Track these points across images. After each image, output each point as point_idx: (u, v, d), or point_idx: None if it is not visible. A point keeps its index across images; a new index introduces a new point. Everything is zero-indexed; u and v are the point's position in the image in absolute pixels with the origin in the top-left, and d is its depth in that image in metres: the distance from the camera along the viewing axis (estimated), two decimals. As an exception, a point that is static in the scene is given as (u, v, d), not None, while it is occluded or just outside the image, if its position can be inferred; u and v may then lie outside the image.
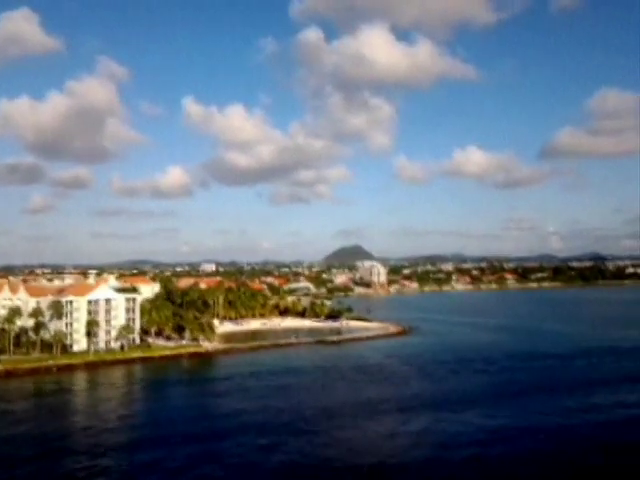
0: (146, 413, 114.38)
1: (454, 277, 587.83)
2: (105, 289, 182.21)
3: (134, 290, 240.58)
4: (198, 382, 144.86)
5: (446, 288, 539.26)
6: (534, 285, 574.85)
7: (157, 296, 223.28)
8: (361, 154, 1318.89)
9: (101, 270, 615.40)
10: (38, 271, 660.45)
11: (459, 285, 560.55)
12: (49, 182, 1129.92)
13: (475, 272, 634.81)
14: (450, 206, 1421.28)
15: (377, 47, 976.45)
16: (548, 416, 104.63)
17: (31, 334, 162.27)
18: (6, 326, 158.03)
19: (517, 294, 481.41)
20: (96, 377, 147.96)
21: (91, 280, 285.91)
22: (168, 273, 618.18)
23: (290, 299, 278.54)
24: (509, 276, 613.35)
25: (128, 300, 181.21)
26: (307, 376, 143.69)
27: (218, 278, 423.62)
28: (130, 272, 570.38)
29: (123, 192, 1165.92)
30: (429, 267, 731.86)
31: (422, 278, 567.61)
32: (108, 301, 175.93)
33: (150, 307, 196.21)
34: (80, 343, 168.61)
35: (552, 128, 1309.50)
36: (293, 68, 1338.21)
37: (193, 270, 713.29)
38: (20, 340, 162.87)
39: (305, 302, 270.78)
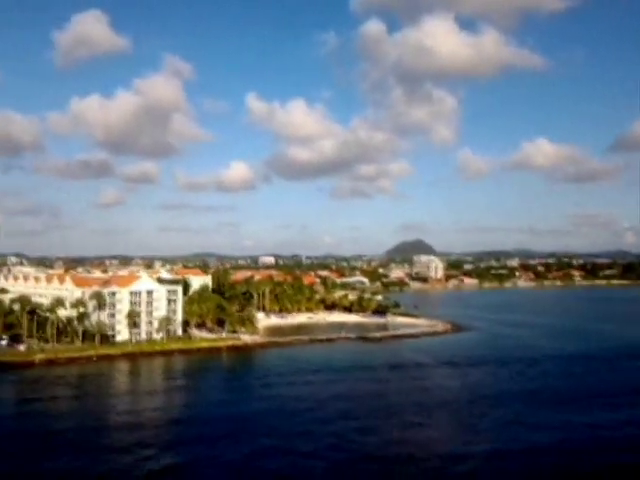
0: (163, 407, 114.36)
1: (517, 273, 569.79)
2: (148, 281, 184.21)
3: (184, 282, 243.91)
4: (227, 376, 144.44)
5: (507, 284, 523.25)
6: (602, 282, 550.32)
7: (203, 288, 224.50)
8: (423, 148, 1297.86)
9: (166, 262, 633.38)
10: (107, 262, 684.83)
11: (521, 282, 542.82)
12: (118, 177, 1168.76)
13: (540, 268, 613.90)
14: (516, 201, 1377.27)
15: (440, 37, 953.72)
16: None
17: (75, 324, 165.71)
18: (50, 316, 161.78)
19: (582, 292, 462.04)
20: (131, 368, 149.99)
21: (162, 270, 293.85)
22: (228, 266, 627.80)
23: (338, 293, 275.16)
24: (575, 273, 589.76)
25: (170, 292, 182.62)
26: (339, 375, 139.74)
27: (274, 271, 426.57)
28: (193, 264, 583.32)
29: (188, 187, 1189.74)
30: (493, 263, 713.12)
31: (482, 274, 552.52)
32: (150, 292, 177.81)
33: (193, 299, 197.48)
34: (122, 333, 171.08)
35: (626, 119, 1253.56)
36: (354, 61, 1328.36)
37: (253, 263, 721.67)
38: (66, 330, 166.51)
39: (353, 297, 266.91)
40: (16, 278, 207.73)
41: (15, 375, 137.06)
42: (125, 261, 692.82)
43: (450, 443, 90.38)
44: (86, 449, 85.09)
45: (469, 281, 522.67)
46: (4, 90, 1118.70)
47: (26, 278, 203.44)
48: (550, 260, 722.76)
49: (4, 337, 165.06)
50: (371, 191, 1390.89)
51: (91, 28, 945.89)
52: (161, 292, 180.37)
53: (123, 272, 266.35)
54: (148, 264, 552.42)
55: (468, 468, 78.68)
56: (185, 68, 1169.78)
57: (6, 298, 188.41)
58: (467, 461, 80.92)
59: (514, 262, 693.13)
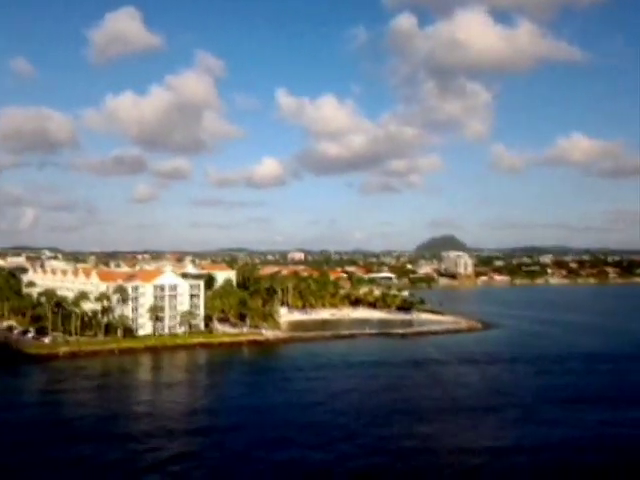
0: (179, 399, 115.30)
1: (549, 270, 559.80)
2: (171, 275, 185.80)
3: (209, 277, 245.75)
4: (246, 370, 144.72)
5: (539, 281, 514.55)
6: (638, 280, 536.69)
7: (226, 283, 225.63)
8: (455, 142, 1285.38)
9: (197, 257, 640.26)
10: (139, 257, 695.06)
11: (554, 279, 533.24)
12: (151, 173, 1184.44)
13: (574, 265, 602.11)
14: (551, 196, 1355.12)
15: (474, 31, 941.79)
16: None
17: (99, 317, 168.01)
18: (74, 309, 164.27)
19: (616, 289, 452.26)
20: (152, 361, 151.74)
21: (189, 265, 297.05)
22: (257, 261, 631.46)
23: (363, 289, 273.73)
24: (610, 270, 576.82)
25: (192, 286, 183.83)
26: (356, 371, 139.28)
27: (302, 267, 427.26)
28: (223, 259, 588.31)
29: (219, 183, 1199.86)
30: (525, 259, 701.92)
31: (513, 270, 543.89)
32: (173, 287, 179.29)
33: (216, 294, 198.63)
34: (145, 327, 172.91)
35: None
36: (384, 56, 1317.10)
37: (282, 259, 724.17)
38: (90, 323, 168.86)
39: (378, 293, 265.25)
40: (45, 272, 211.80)
41: (40, 367, 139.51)
42: (156, 256, 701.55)
43: (459, 438, 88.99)
44: (103, 437, 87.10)
45: (499, 278, 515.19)
46: (40, 87, 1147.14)
47: (54, 272, 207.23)
48: (585, 257, 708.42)
49: (30, 330, 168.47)
50: (401, 186, 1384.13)
51: (125, 25, 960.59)
52: (184, 287, 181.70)
53: (149, 267, 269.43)
54: (178, 259, 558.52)
55: (472, 463, 78.01)
56: (216, 64, 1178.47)
57: (34, 291, 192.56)
58: (470, 457, 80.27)
59: (547, 259, 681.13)
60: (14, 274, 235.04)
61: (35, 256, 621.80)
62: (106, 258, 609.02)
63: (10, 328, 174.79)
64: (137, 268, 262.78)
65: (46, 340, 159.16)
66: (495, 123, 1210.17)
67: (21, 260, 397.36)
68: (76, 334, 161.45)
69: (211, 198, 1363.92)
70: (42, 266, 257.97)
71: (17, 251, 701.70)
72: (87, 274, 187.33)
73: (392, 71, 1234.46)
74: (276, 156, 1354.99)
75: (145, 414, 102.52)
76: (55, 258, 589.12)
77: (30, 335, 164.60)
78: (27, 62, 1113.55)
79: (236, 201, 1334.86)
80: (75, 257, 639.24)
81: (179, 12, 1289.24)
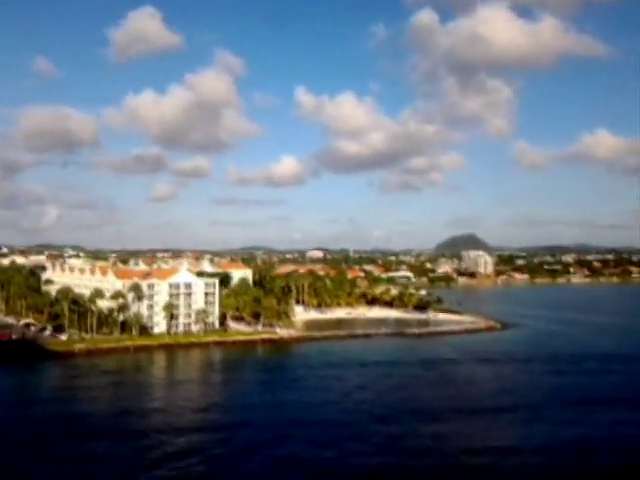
0: (189, 396, 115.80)
1: (571, 269, 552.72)
2: (186, 274, 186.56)
3: (226, 275, 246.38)
4: (258, 368, 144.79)
5: (560, 280, 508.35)
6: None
7: (242, 281, 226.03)
8: (476, 139, 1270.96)
9: (216, 255, 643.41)
10: (159, 255, 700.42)
11: (575, 278, 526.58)
12: (171, 172, 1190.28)
13: (596, 264, 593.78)
14: (574, 194, 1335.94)
15: (496, 26, 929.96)
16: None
17: (115, 315, 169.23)
18: (90, 306, 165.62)
19: (639, 288, 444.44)
20: (165, 358, 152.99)
21: (205, 263, 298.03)
22: (275, 259, 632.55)
23: (380, 288, 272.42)
24: (634, 269, 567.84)
25: (207, 285, 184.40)
26: (368, 370, 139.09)
27: (320, 265, 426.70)
28: (241, 258, 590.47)
29: (238, 181, 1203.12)
30: (547, 258, 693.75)
31: (534, 269, 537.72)
32: (188, 285, 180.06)
33: (231, 292, 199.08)
34: (160, 325, 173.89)
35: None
36: (404, 53, 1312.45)
37: (301, 257, 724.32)
38: (106, 321, 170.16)
39: (395, 292, 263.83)
40: (63, 270, 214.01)
41: (56, 364, 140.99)
42: (176, 255, 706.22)
43: (465, 438, 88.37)
44: (114, 433, 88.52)
45: (520, 277, 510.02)
46: (62, 87, 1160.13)
47: (72, 270, 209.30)
48: (609, 256, 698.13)
49: (48, 327, 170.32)
50: (421, 184, 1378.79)
51: (145, 25, 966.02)
52: (199, 285, 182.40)
53: (167, 265, 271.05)
54: (197, 257, 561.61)
55: (481, 463, 77.00)
56: (236, 63, 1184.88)
57: (52, 289, 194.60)
58: (480, 457, 79.35)
59: (570, 257, 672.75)
60: (34, 272, 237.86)
61: (57, 254, 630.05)
62: (126, 256, 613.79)
63: (28, 325, 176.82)
64: (155, 266, 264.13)
65: (62, 337, 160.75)
66: (517, 119, 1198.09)
67: (42, 258, 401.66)
68: (92, 332, 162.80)
69: (230, 197, 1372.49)
70: (63, 264, 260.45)
71: (40, 249, 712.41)
72: (104, 272, 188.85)
73: (412, 68, 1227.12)
74: (295, 154, 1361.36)
75: (156, 410, 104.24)
76: (77, 256, 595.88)
77: (47, 332, 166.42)
78: (48, 62, 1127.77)
79: (255, 200, 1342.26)
80: (96, 255, 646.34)
81: (199, 11, 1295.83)
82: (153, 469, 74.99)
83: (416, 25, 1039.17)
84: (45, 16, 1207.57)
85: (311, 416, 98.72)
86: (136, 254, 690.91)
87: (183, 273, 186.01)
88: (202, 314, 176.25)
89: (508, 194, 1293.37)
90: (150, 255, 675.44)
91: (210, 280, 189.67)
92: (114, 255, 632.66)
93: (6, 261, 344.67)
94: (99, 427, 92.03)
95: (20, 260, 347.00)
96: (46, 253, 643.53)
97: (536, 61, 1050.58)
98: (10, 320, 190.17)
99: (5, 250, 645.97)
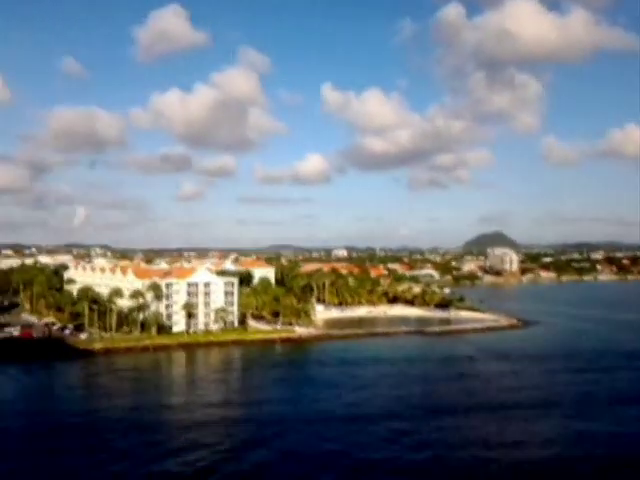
0: (202, 393, 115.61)
1: (599, 267, 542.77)
2: (205, 273, 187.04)
3: (248, 274, 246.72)
4: (273, 367, 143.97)
5: (587, 278, 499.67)
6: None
7: (262, 280, 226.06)
8: (505, 135, 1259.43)
9: (242, 254, 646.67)
10: (185, 254, 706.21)
11: (603, 275, 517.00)
12: (198, 171, 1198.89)
13: (626, 262, 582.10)
14: (604, 190, 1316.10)
15: (524, 20, 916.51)
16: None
17: (134, 314, 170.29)
18: (110, 306, 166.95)
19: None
20: (183, 357, 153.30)
21: (228, 262, 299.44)
22: (301, 258, 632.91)
23: (402, 287, 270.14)
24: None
25: (226, 284, 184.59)
26: (384, 366, 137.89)
27: (344, 264, 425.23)
28: (267, 256, 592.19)
29: (264, 180, 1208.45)
30: (575, 255, 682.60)
31: (561, 267, 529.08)
32: (207, 284, 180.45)
33: (251, 291, 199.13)
34: (180, 324, 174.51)
35: None
36: (431, 48, 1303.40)
37: (327, 255, 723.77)
38: (126, 320, 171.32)
39: (417, 290, 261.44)
40: (84, 269, 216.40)
41: (74, 363, 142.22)
42: (202, 254, 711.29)
43: (480, 433, 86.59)
44: (127, 428, 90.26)
45: (546, 274, 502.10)
46: (89, 87, 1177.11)
47: (93, 269, 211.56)
48: (639, 253, 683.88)
49: (69, 326, 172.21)
50: (449, 181, 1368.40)
51: (170, 23, 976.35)
52: (218, 284, 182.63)
53: (189, 264, 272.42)
54: (223, 256, 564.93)
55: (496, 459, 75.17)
56: (261, 60, 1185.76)
57: (74, 288, 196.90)
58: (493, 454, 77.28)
59: (599, 255, 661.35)
60: (57, 272, 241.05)
61: (85, 253, 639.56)
62: (153, 255, 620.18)
63: (50, 324, 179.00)
64: (177, 265, 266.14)
65: (82, 336, 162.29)
66: (546, 115, 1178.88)
67: (67, 258, 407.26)
68: (111, 331, 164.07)
69: (257, 195, 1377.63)
70: (89, 263, 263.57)
71: (69, 249, 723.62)
72: (124, 271, 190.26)
73: (439, 63, 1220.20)
74: (321, 152, 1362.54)
75: (169, 406, 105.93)
76: (104, 256, 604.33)
77: (68, 331, 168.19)
78: (76, 62, 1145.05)
79: (282, 198, 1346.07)
80: (123, 254, 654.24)
81: (224, 9, 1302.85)
82: (163, 460, 76.48)
83: (443, 20, 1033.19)
84: (72, 17, 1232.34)
85: (320, 411, 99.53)
86: (163, 253, 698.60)
87: (202, 272, 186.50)
88: (221, 313, 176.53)
89: (537, 191, 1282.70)
90: (176, 254, 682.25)
91: (229, 279, 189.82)
92: (140, 254, 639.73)
93: (31, 261, 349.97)
94: (119, 421, 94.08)
95: (45, 260, 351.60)
96: (74, 252, 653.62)
97: (566, 55, 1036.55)
98: (33, 319, 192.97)
99: (34, 250, 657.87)
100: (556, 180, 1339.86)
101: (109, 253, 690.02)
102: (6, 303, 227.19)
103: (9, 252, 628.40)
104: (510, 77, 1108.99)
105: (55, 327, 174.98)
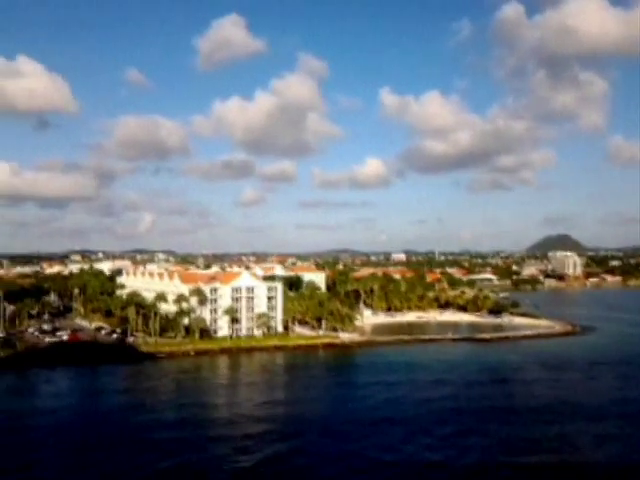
0: (236, 400, 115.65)
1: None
2: (248, 278, 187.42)
3: (297, 279, 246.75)
4: (312, 373, 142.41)
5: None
6: None
7: (309, 284, 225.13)
8: (569, 135, 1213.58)
9: (301, 259, 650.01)
10: (245, 259, 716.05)
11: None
12: (258, 176, 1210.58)
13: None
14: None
15: (587, 16, 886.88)
16: None
17: (179, 319, 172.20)
18: (154, 310, 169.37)
19: None
20: (225, 362, 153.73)
21: (279, 267, 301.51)
22: (358, 262, 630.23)
23: (454, 292, 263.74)
24: None
25: (270, 289, 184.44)
26: (423, 375, 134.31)
27: (402, 268, 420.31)
28: (326, 261, 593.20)
29: (323, 184, 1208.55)
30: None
31: (628, 271, 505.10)
32: (250, 289, 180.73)
33: (296, 296, 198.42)
34: (223, 329, 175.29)
35: None
36: (490, 49, 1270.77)
37: (386, 259, 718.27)
38: (171, 324, 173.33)
39: (470, 295, 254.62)
40: (135, 274, 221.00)
41: (116, 367, 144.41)
42: (261, 258, 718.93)
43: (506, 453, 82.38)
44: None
45: (612, 279, 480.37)
46: (153, 97, 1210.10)
47: (143, 274, 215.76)
48: None
49: (117, 331, 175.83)
50: (511, 183, 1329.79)
51: (230, 32, 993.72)
52: (261, 289, 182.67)
53: (238, 269, 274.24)
54: (281, 260, 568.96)
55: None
56: (319, 66, 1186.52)
57: (124, 293, 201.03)
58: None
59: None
60: (112, 277, 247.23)
61: (149, 259, 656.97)
62: (213, 260, 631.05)
63: (99, 329, 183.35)
64: (228, 270, 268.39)
65: (128, 341, 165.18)
66: (612, 113, 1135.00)
67: (125, 263, 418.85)
68: (156, 335, 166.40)
69: (316, 200, 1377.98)
70: (143, 269, 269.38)
71: (134, 254, 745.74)
72: (171, 276, 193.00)
73: (499, 63, 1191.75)
74: (380, 156, 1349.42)
75: (206, 405, 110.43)
76: (167, 261, 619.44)
77: (115, 336, 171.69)
78: (139, 72, 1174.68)
79: (341, 202, 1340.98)
80: (185, 259, 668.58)
81: (281, 16, 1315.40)
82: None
83: (502, 19, 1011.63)
84: (136, 29, 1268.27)
85: (341, 425, 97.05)
86: (224, 257, 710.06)
87: (246, 277, 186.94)
88: (264, 318, 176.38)
89: (604, 191, 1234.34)
90: (237, 259, 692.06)
91: (272, 284, 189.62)
92: (201, 259, 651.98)
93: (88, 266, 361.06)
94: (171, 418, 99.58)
95: (103, 265, 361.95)
96: (138, 258, 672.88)
97: (632, 51, 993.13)
98: (84, 323, 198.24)
99: (100, 255, 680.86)
100: (623, 180, 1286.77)
101: (171, 258, 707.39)
102: (62, 308, 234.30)
103: (77, 257, 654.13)
104: (573, 74, 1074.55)
105: (104, 332, 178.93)
